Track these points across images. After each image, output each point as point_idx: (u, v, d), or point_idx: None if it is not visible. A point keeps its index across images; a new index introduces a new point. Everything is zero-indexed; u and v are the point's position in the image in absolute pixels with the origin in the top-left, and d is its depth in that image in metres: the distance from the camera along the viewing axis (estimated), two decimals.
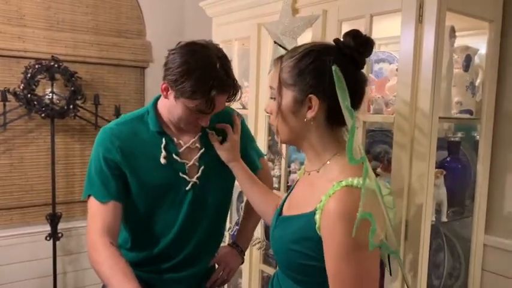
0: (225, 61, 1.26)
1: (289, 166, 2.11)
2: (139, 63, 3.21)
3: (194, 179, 1.38)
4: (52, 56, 2.76)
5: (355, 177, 0.94)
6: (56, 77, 2.77)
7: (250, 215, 1.62)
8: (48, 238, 2.85)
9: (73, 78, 2.79)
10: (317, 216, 0.95)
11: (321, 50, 1.01)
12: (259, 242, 2.11)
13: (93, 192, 1.31)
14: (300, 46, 1.06)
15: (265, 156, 1.64)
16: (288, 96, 1.03)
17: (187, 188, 1.37)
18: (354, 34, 1.00)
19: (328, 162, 1.04)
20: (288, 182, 2.05)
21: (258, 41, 2.07)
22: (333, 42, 1.03)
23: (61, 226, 2.90)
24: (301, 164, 2.22)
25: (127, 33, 3.17)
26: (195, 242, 1.41)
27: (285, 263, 1.08)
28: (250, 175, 1.42)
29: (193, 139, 1.40)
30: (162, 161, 1.33)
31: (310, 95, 0.99)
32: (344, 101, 0.94)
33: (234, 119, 1.46)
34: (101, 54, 3.03)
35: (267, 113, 1.12)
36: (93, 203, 1.31)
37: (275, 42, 1.84)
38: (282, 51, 1.63)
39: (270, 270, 2.11)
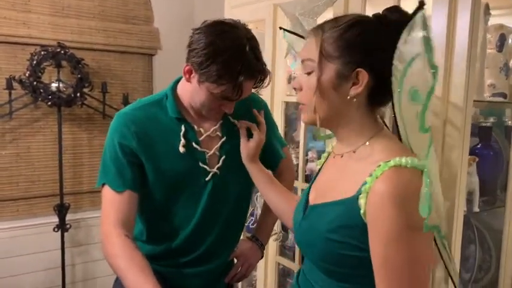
0: (254, 43, 1.17)
1: (306, 155, 2.02)
2: (147, 50, 3.12)
3: (214, 169, 1.30)
4: (58, 43, 2.67)
5: (403, 156, 0.86)
6: (63, 64, 2.68)
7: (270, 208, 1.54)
8: (56, 229, 2.78)
9: (80, 65, 2.70)
10: (361, 201, 0.87)
11: (368, 22, 0.94)
12: (276, 233, 2.04)
13: (107, 181, 1.24)
14: (342, 16, 0.97)
15: (287, 145, 1.56)
16: (331, 70, 0.93)
17: (207, 179, 1.29)
18: (399, 10, 0.92)
19: (367, 143, 0.96)
20: (305, 171, 1.96)
21: (273, 23, 1.98)
22: (375, 16, 0.95)
23: (69, 217, 2.83)
24: (319, 152, 2.14)
25: (134, 19, 3.07)
26: (215, 235, 1.34)
27: (319, 255, 0.99)
28: (267, 175, 1.33)
29: (215, 127, 1.31)
30: (181, 149, 1.25)
31: (357, 69, 0.91)
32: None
33: (256, 115, 1.37)
34: (107, 41, 2.93)
35: (295, 89, 1.02)
36: (107, 192, 1.23)
37: (281, 28, 1.73)
38: (297, 42, 1.53)
39: (287, 263, 2.04)
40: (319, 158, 2.17)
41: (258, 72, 1.17)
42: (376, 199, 0.84)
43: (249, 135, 1.32)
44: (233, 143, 1.32)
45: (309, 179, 1.92)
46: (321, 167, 1.16)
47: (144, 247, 1.32)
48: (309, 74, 0.96)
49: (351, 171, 0.96)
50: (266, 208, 1.56)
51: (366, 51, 0.91)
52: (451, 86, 1.32)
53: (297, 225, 1.08)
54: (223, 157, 1.31)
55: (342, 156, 1.01)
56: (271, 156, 1.40)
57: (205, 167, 1.29)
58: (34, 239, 2.83)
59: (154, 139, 1.25)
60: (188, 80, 1.21)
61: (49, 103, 2.64)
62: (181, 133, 1.26)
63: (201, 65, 1.13)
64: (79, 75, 2.70)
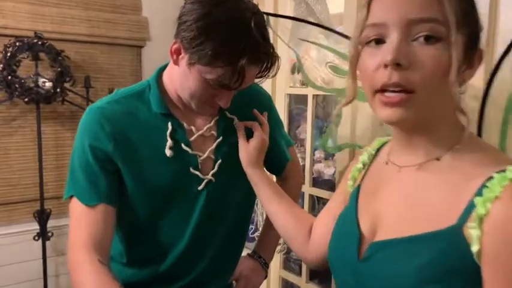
0: (261, 19, 0.93)
1: (313, 154, 1.80)
2: (135, 42, 2.87)
3: (209, 176, 1.07)
4: (35, 33, 2.42)
5: None
6: (41, 57, 2.43)
7: (270, 226, 1.32)
8: (36, 238, 2.54)
9: (60, 58, 2.45)
10: (472, 233, 0.60)
11: None
12: (280, 244, 1.81)
13: (76, 193, 1.00)
14: None
15: (294, 145, 1.33)
16: (458, 43, 0.64)
17: (199, 188, 1.06)
18: None
19: (456, 147, 0.70)
20: (313, 174, 1.74)
21: (274, 4, 1.75)
22: None
23: (51, 224, 2.59)
24: (327, 152, 1.91)
25: (121, 8, 2.82)
26: (210, 256, 1.11)
27: None
28: (273, 186, 1.08)
29: (209, 124, 1.08)
30: (168, 152, 1.02)
31: (480, 48, 0.68)
32: None
33: (257, 115, 1.13)
34: (91, 32, 2.68)
35: (397, 65, 0.65)
36: (76, 207, 1.00)
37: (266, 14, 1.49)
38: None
39: (292, 278, 1.81)
40: (326, 158, 1.97)
41: (265, 55, 0.93)
42: (501, 229, 0.58)
43: (249, 134, 1.09)
44: (231, 143, 1.09)
45: (317, 182, 1.69)
46: (361, 179, 0.87)
47: (124, 271, 1.09)
48: (432, 43, 0.65)
49: (439, 188, 0.69)
50: (266, 221, 1.33)
51: (479, 23, 0.68)
52: None
53: (350, 267, 0.76)
54: (220, 161, 1.08)
55: (417, 168, 0.73)
56: (277, 158, 1.17)
57: (197, 173, 1.06)
58: (13, 248, 2.59)
59: (134, 140, 1.02)
60: (176, 63, 0.97)
61: (26, 99, 2.39)
62: (168, 132, 1.03)
63: (192, 41, 0.89)
64: (59, 69, 2.45)
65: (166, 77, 1.05)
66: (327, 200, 1.69)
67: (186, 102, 1.02)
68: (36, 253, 2.57)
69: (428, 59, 0.64)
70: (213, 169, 1.08)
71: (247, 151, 1.07)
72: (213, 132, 1.09)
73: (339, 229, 0.84)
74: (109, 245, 1.01)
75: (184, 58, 0.94)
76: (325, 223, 0.93)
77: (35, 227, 2.54)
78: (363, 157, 0.91)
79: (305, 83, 1.69)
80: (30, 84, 2.41)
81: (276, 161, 1.18)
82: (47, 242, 2.57)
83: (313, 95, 1.58)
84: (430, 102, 0.66)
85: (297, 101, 1.95)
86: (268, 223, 1.33)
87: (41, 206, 2.53)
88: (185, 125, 1.06)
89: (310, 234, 0.97)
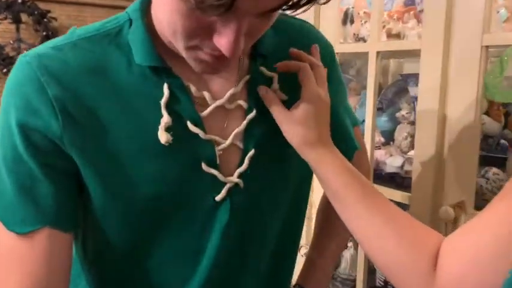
0: None
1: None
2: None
3: (234, 178, 0.62)
4: None
5: None
6: (23, 19, 2.00)
7: (329, 233, 0.86)
8: None
9: (45, 20, 2.01)
10: None
11: None
12: (302, 246, 1.36)
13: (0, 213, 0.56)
14: None
15: (360, 124, 0.86)
16: None
17: (218, 198, 0.61)
18: None
19: None
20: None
21: None
22: None
23: None
24: (384, 133, 1.45)
25: None
26: None
27: None
28: (358, 176, 0.62)
29: (234, 89, 0.63)
30: (163, 137, 0.57)
31: None
32: None
33: (297, 54, 0.67)
34: None
35: None
36: (2, 236, 0.56)
37: None
38: None
39: None
40: (386, 143, 1.51)
41: None
42: None
43: (291, 99, 0.64)
44: (271, 120, 0.64)
45: (377, 177, 1.23)
46: None
47: None
48: None
49: None
50: (323, 229, 0.88)
51: None
52: None
53: None
54: (252, 152, 0.63)
55: None
56: (339, 144, 0.69)
57: (214, 172, 0.61)
58: None
59: (101, 115, 0.57)
60: None
61: (4, 70, 1.97)
62: (163, 101, 0.58)
63: None
64: (44, 33, 2.01)
65: (156, 8, 0.59)
66: (394, 203, 1.22)
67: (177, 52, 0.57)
68: None
69: None
70: (240, 166, 0.63)
71: (295, 123, 0.62)
72: (240, 102, 0.64)
73: None
74: None
75: None
76: (469, 249, 0.48)
77: None
78: None
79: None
80: (10, 52, 1.99)
81: (340, 147, 0.70)
82: None
83: (377, 53, 1.11)
84: None
85: (343, 68, 1.49)
86: (321, 229, 0.88)
87: None
88: (193, 88, 0.60)
89: (436, 263, 0.53)
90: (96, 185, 0.58)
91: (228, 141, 0.62)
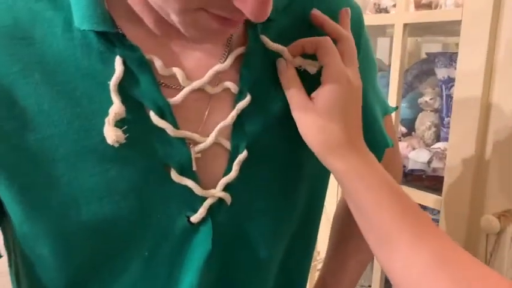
0: None
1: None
2: None
3: (218, 191, 0.44)
4: None
5: None
6: None
7: (347, 252, 0.69)
8: None
9: None
10: None
11: None
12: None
13: None
14: None
15: (392, 112, 0.66)
16: None
17: (194, 219, 0.43)
18: None
19: None
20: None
21: None
22: None
23: None
24: (408, 122, 1.26)
25: None
26: None
27: None
28: (402, 200, 0.43)
29: (219, 65, 0.43)
30: (111, 135, 0.39)
31: None
32: None
33: (342, 15, 0.48)
34: None
35: None
36: None
37: None
38: None
39: None
40: (407, 133, 1.31)
41: None
42: None
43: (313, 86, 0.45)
44: (272, 111, 0.46)
45: (405, 175, 1.04)
46: None
47: None
48: None
49: None
50: (340, 244, 0.70)
51: None
52: None
53: None
54: (244, 154, 0.44)
55: None
56: (369, 137, 0.50)
57: (189, 183, 0.42)
58: None
59: (22, 101, 0.39)
60: None
61: None
62: (113, 81, 0.39)
63: None
64: None
65: None
66: (420, 206, 1.04)
67: (167, 17, 0.37)
68: None
69: None
70: (227, 174, 0.45)
71: (319, 115, 0.44)
72: (228, 84, 0.45)
73: None
74: None
75: None
76: None
77: None
78: None
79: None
80: None
81: (367, 143, 0.50)
82: None
83: (404, 25, 0.90)
84: None
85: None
86: (334, 248, 0.71)
87: None
88: (158, 63, 0.41)
89: None
90: (15, 204, 0.41)
91: (209, 140, 0.43)
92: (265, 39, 0.45)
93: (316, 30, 0.48)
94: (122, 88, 0.40)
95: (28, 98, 0.39)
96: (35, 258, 0.43)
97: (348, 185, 0.44)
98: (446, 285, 0.38)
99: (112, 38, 0.40)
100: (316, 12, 0.47)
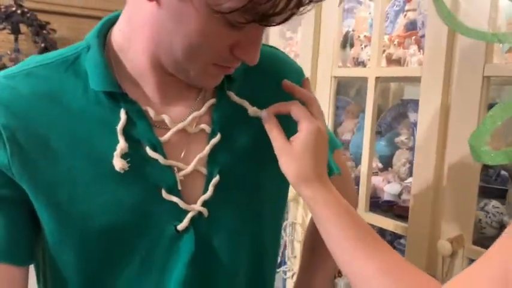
0: None
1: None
2: None
3: (197, 206, 0.57)
4: (14, 1, 1.97)
5: None
6: (22, 31, 1.99)
7: (316, 263, 0.81)
8: None
9: (44, 32, 2.00)
10: None
11: None
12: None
13: None
14: None
15: (341, 147, 0.80)
16: None
17: (180, 227, 0.57)
18: None
19: None
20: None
21: None
22: None
23: None
24: (382, 159, 1.38)
25: None
26: None
27: None
28: (354, 217, 0.57)
29: (196, 112, 0.59)
30: (118, 163, 0.53)
31: None
32: None
33: (289, 88, 0.63)
34: (85, 4, 2.21)
35: None
36: None
37: None
38: None
39: None
40: (384, 168, 1.43)
41: None
42: None
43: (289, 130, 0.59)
44: (239, 146, 0.60)
45: (374, 205, 1.16)
46: None
47: None
48: None
49: None
50: (312, 257, 0.82)
51: None
52: None
53: None
54: (217, 178, 0.58)
55: None
56: None
57: (175, 200, 0.56)
58: None
59: (54, 143, 0.54)
60: None
61: None
62: (119, 126, 0.54)
63: None
64: (43, 45, 2.00)
65: (119, 33, 0.57)
66: (390, 233, 1.17)
67: (174, 70, 0.55)
68: None
69: None
70: (203, 194, 0.58)
71: (295, 155, 0.57)
72: (203, 126, 0.59)
73: None
74: None
75: None
76: None
77: None
78: None
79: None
80: (7, 63, 1.99)
81: None
82: None
83: (376, 78, 1.05)
84: None
85: (341, 90, 1.42)
86: (307, 265, 0.82)
87: None
88: (151, 112, 0.56)
89: None
90: (48, 217, 0.54)
91: (190, 167, 0.57)
92: (230, 93, 0.61)
93: (269, 86, 0.63)
94: (125, 131, 0.55)
95: (58, 140, 0.54)
96: (60, 262, 0.57)
97: (314, 209, 0.57)
98: (389, 284, 0.51)
99: (118, 96, 0.55)
100: (286, 82, 0.62)
